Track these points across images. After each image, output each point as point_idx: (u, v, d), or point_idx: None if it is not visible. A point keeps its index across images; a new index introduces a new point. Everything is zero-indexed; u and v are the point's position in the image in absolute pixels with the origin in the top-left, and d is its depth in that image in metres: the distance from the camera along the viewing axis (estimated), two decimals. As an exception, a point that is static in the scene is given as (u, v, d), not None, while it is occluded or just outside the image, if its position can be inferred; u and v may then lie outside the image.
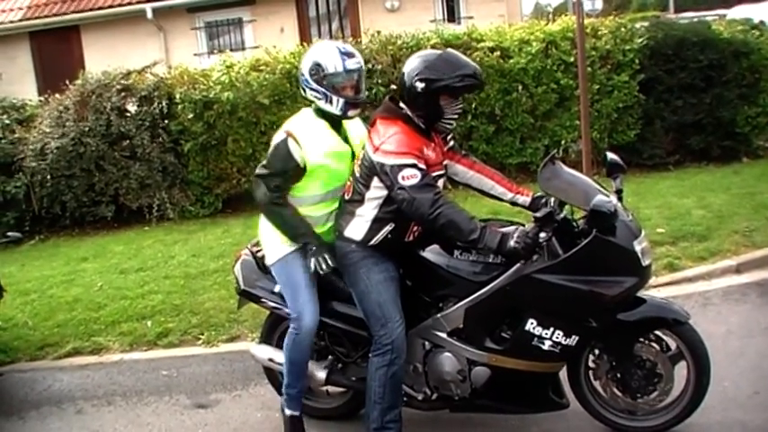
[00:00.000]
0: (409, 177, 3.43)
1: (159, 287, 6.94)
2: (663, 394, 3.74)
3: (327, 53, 3.73)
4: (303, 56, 3.88)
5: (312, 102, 3.79)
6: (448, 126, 3.71)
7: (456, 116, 3.67)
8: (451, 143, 3.96)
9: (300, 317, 3.74)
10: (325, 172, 3.75)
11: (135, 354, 5.72)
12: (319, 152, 3.71)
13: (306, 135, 3.73)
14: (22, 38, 16.20)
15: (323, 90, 3.71)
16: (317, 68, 3.72)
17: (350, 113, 3.77)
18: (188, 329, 5.92)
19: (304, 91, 3.81)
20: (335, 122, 3.81)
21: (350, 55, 3.73)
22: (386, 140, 3.53)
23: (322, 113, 3.78)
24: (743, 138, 9.95)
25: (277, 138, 3.79)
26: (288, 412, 3.97)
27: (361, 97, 3.79)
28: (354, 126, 3.94)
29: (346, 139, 3.84)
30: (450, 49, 3.73)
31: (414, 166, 3.45)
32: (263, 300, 4.10)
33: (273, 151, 3.78)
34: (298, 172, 3.73)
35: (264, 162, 3.83)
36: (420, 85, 3.53)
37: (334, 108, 3.72)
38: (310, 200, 3.82)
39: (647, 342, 3.72)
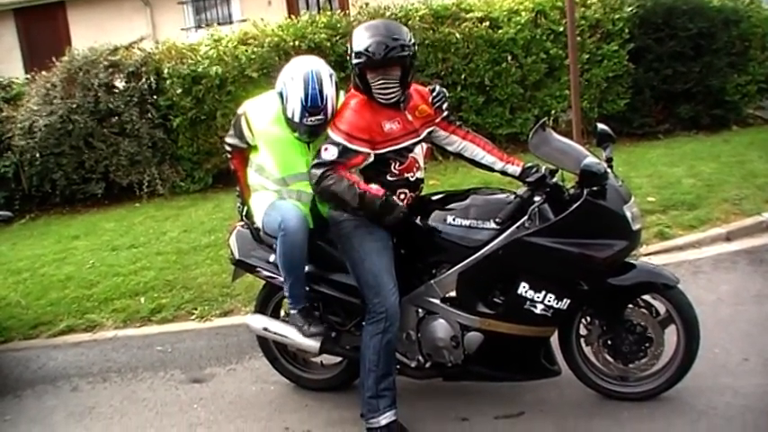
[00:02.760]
0: (325, 151, 3.55)
1: (151, 263, 6.93)
2: (653, 359, 3.79)
3: (293, 95, 3.65)
4: (286, 67, 3.82)
5: None
6: (382, 100, 3.63)
7: (382, 90, 3.59)
8: (446, 113, 3.96)
9: (284, 218, 3.71)
10: (276, 156, 3.82)
11: (129, 330, 5.72)
12: (266, 136, 3.81)
13: (257, 118, 3.82)
14: (6, 15, 16.01)
15: (285, 113, 3.72)
16: (282, 95, 3.70)
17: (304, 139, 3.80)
18: (181, 305, 5.93)
19: None
20: None
21: (314, 111, 3.63)
22: (339, 115, 3.65)
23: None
24: (732, 106, 9.97)
25: (239, 110, 3.94)
26: (297, 308, 3.94)
27: (312, 138, 3.76)
28: None
29: None
30: (376, 21, 3.73)
31: (337, 144, 3.55)
32: (258, 269, 4.11)
33: (234, 121, 3.97)
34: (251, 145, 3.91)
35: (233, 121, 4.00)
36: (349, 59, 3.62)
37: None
38: (273, 178, 3.88)
39: (636, 307, 3.76)
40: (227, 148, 4.12)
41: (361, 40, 3.55)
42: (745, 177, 7.32)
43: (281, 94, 3.69)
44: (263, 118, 3.81)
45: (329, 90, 3.67)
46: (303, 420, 4.14)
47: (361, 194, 3.51)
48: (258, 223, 3.99)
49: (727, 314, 4.75)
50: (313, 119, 3.64)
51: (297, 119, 3.64)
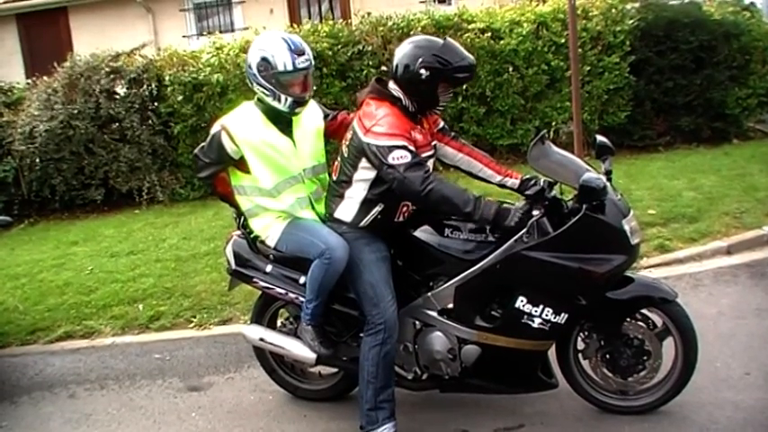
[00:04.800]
0: (400, 158, 3.46)
1: (150, 270, 6.93)
2: (652, 371, 3.78)
3: (276, 49, 3.69)
4: (251, 46, 3.84)
5: (260, 96, 3.79)
6: (439, 109, 3.76)
7: (446, 102, 3.71)
8: (441, 124, 3.98)
9: (331, 247, 3.66)
10: (266, 163, 3.78)
11: (127, 337, 5.71)
12: (253, 145, 3.76)
13: (239, 128, 3.77)
14: (8, 20, 16.00)
15: (271, 87, 3.71)
16: (265, 65, 3.70)
17: (296, 110, 3.78)
18: (180, 312, 5.92)
19: (250, 84, 3.81)
20: (276, 117, 3.81)
21: (299, 52, 3.70)
22: (377, 122, 3.56)
23: (263, 106, 3.81)
24: (733, 119, 9.96)
25: (213, 129, 3.87)
26: (311, 323, 3.87)
27: (307, 95, 3.79)
28: (310, 113, 3.94)
29: (290, 128, 3.84)
30: (450, 39, 3.73)
31: (404, 147, 3.49)
32: (254, 279, 4.08)
33: (209, 142, 3.87)
34: (234, 163, 3.84)
35: (204, 149, 3.90)
36: (425, 73, 3.54)
37: (282, 106, 3.74)
38: (265, 192, 3.83)
39: (633, 320, 3.75)
40: (207, 182, 4.12)
41: (457, 57, 3.58)
42: (745, 191, 7.31)
43: (265, 60, 3.69)
44: (248, 127, 3.79)
45: (302, 40, 3.82)
46: (301, 431, 4.13)
47: (477, 198, 3.45)
48: (270, 242, 3.93)
49: (727, 328, 4.74)
50: (302, 59, 3.69)
51: (290, 66, 3.66)
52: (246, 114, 3.84)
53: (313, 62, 3.79)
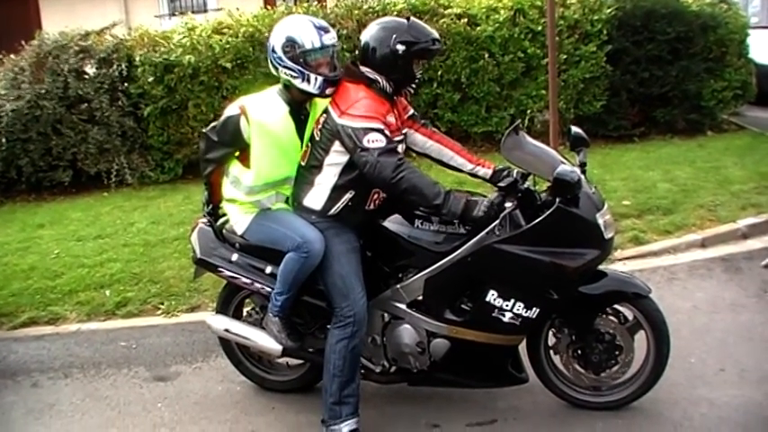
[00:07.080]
0: (374, 141, 3.40)
1: (118, 255, 6.80)
2: (624, 366, 3.76)
3: (302, 28, 3.60)
4: (273, 31, 3.73)
5: (286, 80, 3.65)
6: (411, 90, 3.73)
7: (417, 79, 3.70)
8: (411, 111, 3.92)
9: (308, 241, 3.57)
10: (266, 158, 3.67)
11: (93, 324, 5.60)
12: (264, 135, 3.63)
13: (259, 115, 3.63)
14: (-25, -3, 15.73)
15: (298, 68, 3.58)
16: (291, 44, 3.59)
17: (327, 92, 3.63)
18: (147, 299, 5.83)
19: (276, 69, 3.68)
20: (298, 111, 3.71)
21: (325, 30, 3.62)
22: (352, 104, 3.50)
23: (287, 96, 3.69)
24: (708, 111, 9.97)
25: (230, 111, 3.73)
26: (279, 315, 3.80)
27: (337, 75, 3.66)
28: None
29: (304, 127, 3.74)
30: (413, 18, 3.69)
31: (380, 130, 3.43)
32: (219, 269, 3.99)
33: (223, 123, 3.74)
34: (243, 150, 3.71)
35: (216, 129, 3.78)
36: (401, 48, 3.52)
37: (312, 87, 3.60)
38: (244, 187, 3.74)
39: (604, 315, 3.72)
40: (212, 164, 3.88)
41: (426, 30, 3.61)
42: (720, 184, 7.31)
43: (291, 40, 3.58)
44: (268, 115, 3.64)
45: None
46: (270, 423, 4.07)
47: (447, 192, 3.39)
48: (238, 229, 3.86)
49: (702, 323, 4.73)
50: (329, 36, 3.62)
51: (318, 43, 3.56)
52: (270, 102, 3.71)
53: (337, 42, 3.72)
